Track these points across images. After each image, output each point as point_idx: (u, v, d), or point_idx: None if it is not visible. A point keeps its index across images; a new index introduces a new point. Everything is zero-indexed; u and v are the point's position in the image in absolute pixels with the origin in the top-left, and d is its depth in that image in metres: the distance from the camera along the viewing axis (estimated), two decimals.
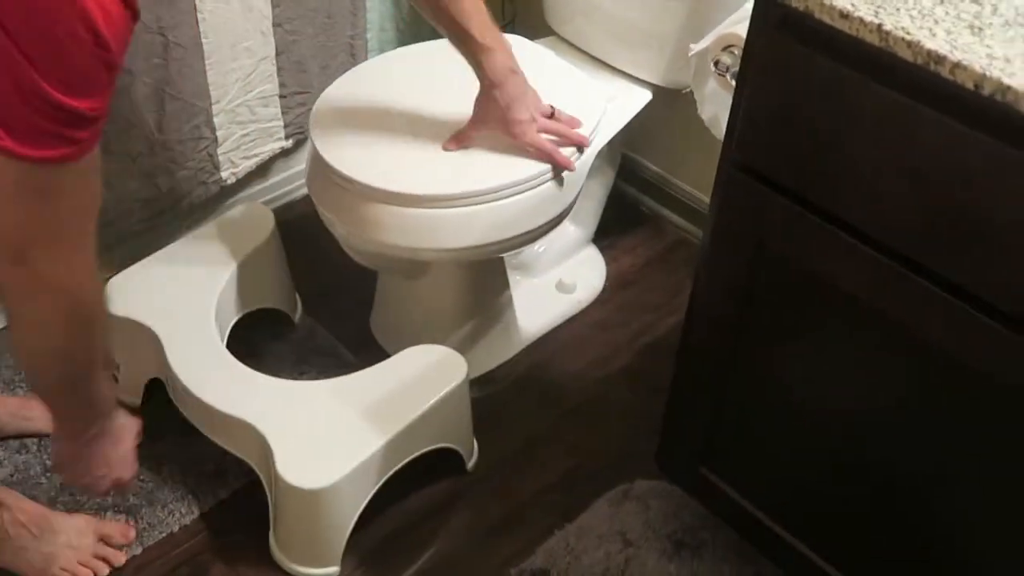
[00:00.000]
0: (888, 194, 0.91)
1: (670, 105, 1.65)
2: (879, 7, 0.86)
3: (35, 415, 1.47)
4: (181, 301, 1.46)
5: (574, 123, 1.41)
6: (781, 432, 1.18)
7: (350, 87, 1.49)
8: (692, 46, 1.27)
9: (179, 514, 1.42)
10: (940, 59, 0.81)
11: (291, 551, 1.35)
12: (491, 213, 1.33)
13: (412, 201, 1.31)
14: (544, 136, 1.35)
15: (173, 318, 1.44)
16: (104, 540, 1.36)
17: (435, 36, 1.47)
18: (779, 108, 0.97)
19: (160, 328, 1.42)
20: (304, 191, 1.76)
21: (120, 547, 1.37)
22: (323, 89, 1.48)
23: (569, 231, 1.80)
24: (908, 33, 0.83)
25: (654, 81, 1.64)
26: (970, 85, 0.80)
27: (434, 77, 1.49)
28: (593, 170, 1.51)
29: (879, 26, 0.84)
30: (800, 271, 1.04)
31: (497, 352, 1.67)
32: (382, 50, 1.86)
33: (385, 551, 1.40)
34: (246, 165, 1.79)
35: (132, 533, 1.38)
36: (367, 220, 1.33)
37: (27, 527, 1.29)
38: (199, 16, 1.56)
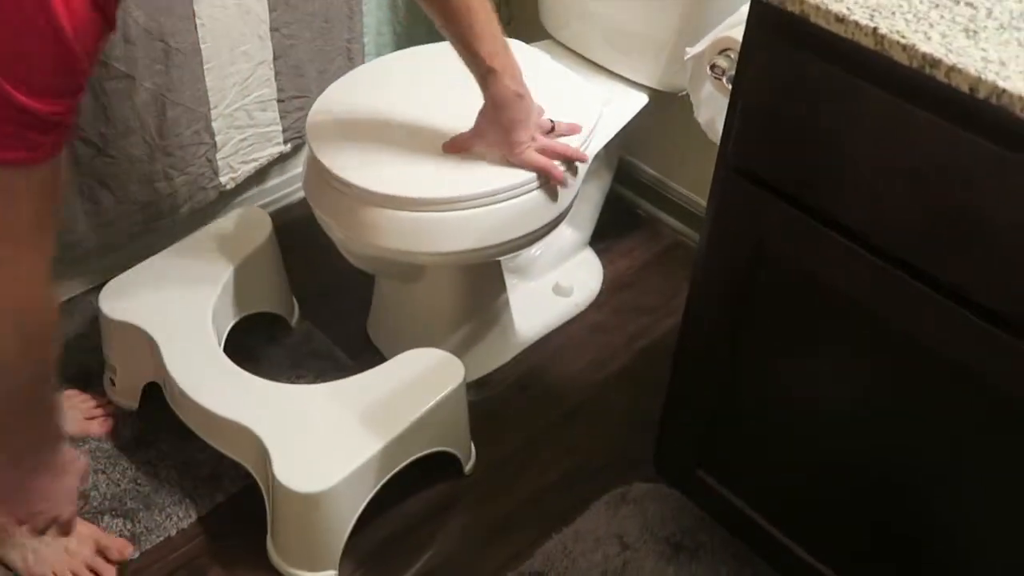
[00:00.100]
0: (884, 196, 0.91)
1: (666, 109, 1.66)
2: (874, 11, 0.86)
3: None
4: (178, 305, 1.46)
5: (574, 130, 1.41)
6: (778, 435, 1.18)
7: (347, 91, 1.49)
8: (688, 50, 1.28)
9: (176, 518, 1.42)
10: (935, 62, 0.81)
11: (288, 555, 1.35)
12: (488, 217, 1.33)
13: (409, 204, 1.31)
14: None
15: (170, 322, 1.44)
16: (101, 552, 1.34)
17: (431, 40, 1.47)
18: (775, 111, 0.97)
19: (157, 332, 1.42)
20: (301, 195, 1.76)
21: (115, 563, 1.35)
22: (320, 93, 1.48)
23: (566, 234, 1.80)
24: (903, 37, 0.83)
25: (650, 85, 1.64)
26: (965, 88, 0.80)
27: (431, 80, 1.50)
28: (590, 173, 1.51)
29: (874, 30, 0.85)
30: (797, 273, 1.04)
31: (494, 355, 1.67)
32: (379, 54, 1.86)
33: (383, 554, 1.40)
34: (245, 170, 1.79)
35: (129, 550, 1.36)
36: (364, 223, 1.33)
37: None
38: (197, 21, 1.56)
